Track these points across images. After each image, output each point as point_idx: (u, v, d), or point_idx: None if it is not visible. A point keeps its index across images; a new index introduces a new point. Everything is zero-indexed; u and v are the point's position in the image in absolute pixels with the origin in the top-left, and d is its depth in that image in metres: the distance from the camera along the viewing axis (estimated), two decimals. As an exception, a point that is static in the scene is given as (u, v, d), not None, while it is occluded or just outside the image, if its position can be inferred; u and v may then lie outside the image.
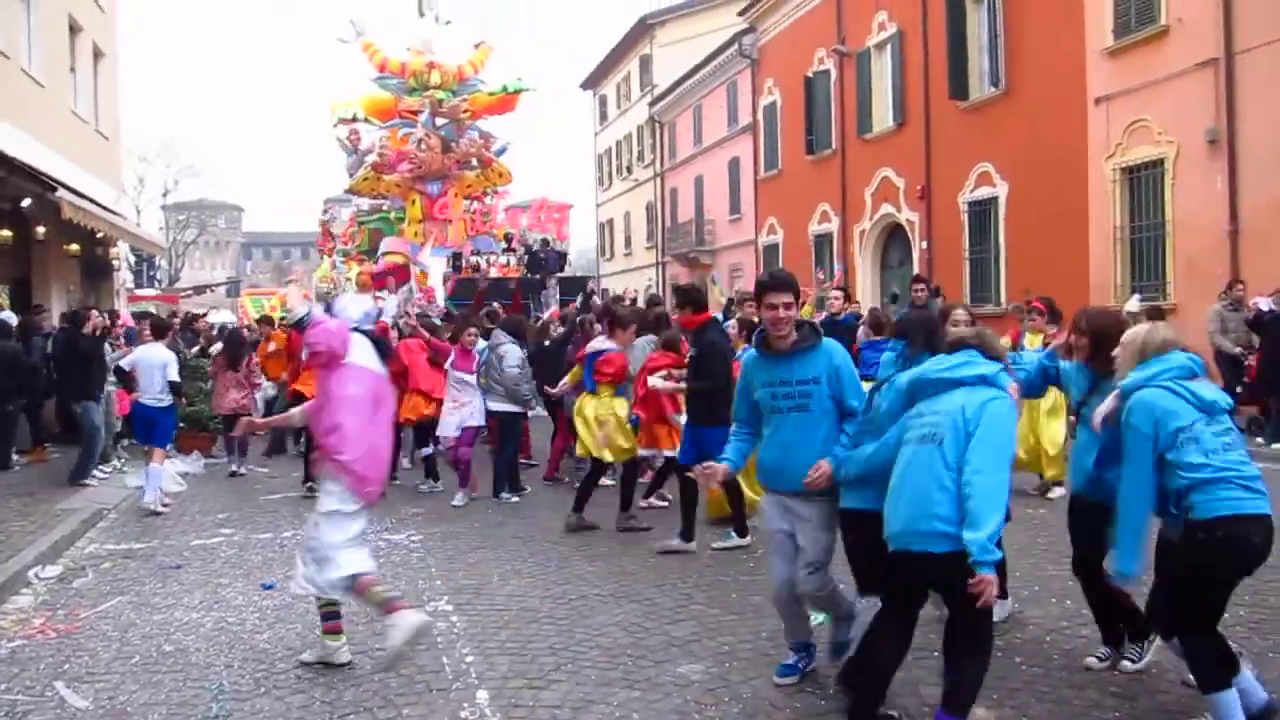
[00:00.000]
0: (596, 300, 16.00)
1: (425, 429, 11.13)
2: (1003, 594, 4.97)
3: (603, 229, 51.25)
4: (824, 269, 24.65)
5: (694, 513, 7.93)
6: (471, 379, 10.52)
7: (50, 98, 18.89)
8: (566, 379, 10.49)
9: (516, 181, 23.64)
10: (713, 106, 36.04)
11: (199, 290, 48.61)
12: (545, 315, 15.82)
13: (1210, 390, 4.10)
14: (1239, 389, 12.45)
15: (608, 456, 8.95)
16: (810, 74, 28.21)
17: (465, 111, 21.96)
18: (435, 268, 20.18)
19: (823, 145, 27.95)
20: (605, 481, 10.70)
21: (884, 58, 25.08)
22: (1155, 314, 10.22)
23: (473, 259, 21.91)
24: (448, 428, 10.47)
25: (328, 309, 8.13)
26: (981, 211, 21.56)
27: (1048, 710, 4.48)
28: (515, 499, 10.29)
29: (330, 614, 5.41)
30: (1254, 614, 5.72)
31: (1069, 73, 18.38)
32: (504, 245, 22.91)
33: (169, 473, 11.11)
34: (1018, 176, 20.17)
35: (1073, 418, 5.74)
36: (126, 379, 11.47)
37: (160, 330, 11.60)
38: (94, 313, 12.69)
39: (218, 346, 14.39)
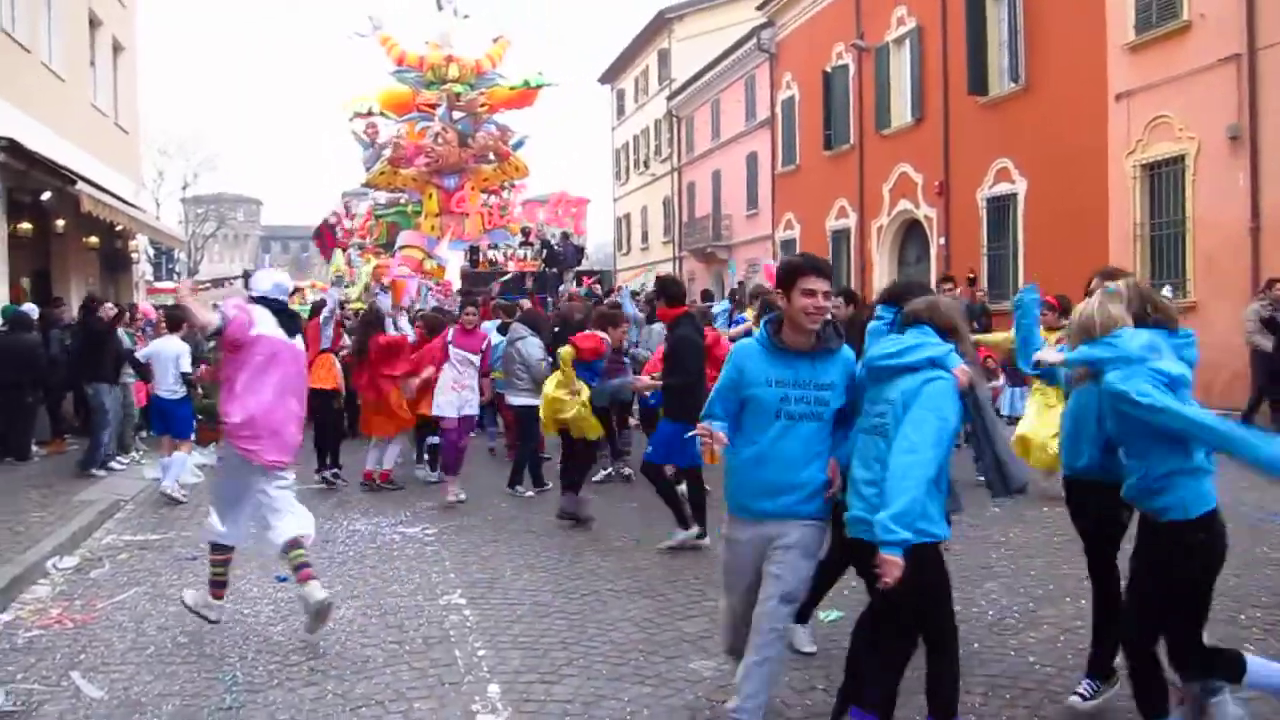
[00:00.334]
0: (566, 290, 15.93)
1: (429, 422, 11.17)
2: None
3: (620, 223, 51.23)
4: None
5: (703, 506, 7.88)
6: (475, 358, 10.38)
7: (70, 91, 19.00)
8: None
9: (534, 176, 23.64)
10: (730, 101, 35.96)
11: (217, 283, 48.75)
12: (563, 291, 15.86)
13: (1174, 364, 3.87)
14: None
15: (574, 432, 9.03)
16: (829, 69, 28.11)
17: (483, 105, 21.97)
18: (452, 261, 20.23)
19: (841, 140, 27.85)
20: (625, 471, 10.79)
21: (903, 53, 24.96)
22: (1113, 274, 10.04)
23: (490, 253, 21.95)
24: (447, 408, 10.18)
25: (245, 282, 8.01)
26: (1000, 208, 21.44)
27: (1060, 711, 4.46)
28: (531, 493, 10.30)
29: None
30: (1271, 615, 5.68)
31: (1089, 68, 18.25)
32: (521, 239, 22.93)
33: (188, 464, 11.18)
34: (1037, 173, 20.05)
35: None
36: (143, 371, 11.56)
37: (175, 322, 11.65)
38: (107, 304, 12.88)
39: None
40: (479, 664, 5.30)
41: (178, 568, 7.56)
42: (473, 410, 10.39)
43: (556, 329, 11.72)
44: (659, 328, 10.85)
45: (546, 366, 10.09)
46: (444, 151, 21.03)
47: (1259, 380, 13.05)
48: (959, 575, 6.75)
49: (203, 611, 5.86)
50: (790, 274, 4.01)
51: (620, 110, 50.56)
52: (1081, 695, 4.44)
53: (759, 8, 32.22)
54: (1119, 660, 4.30)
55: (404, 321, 12.31)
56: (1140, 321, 4.06)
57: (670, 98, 41.30)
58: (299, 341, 6.11)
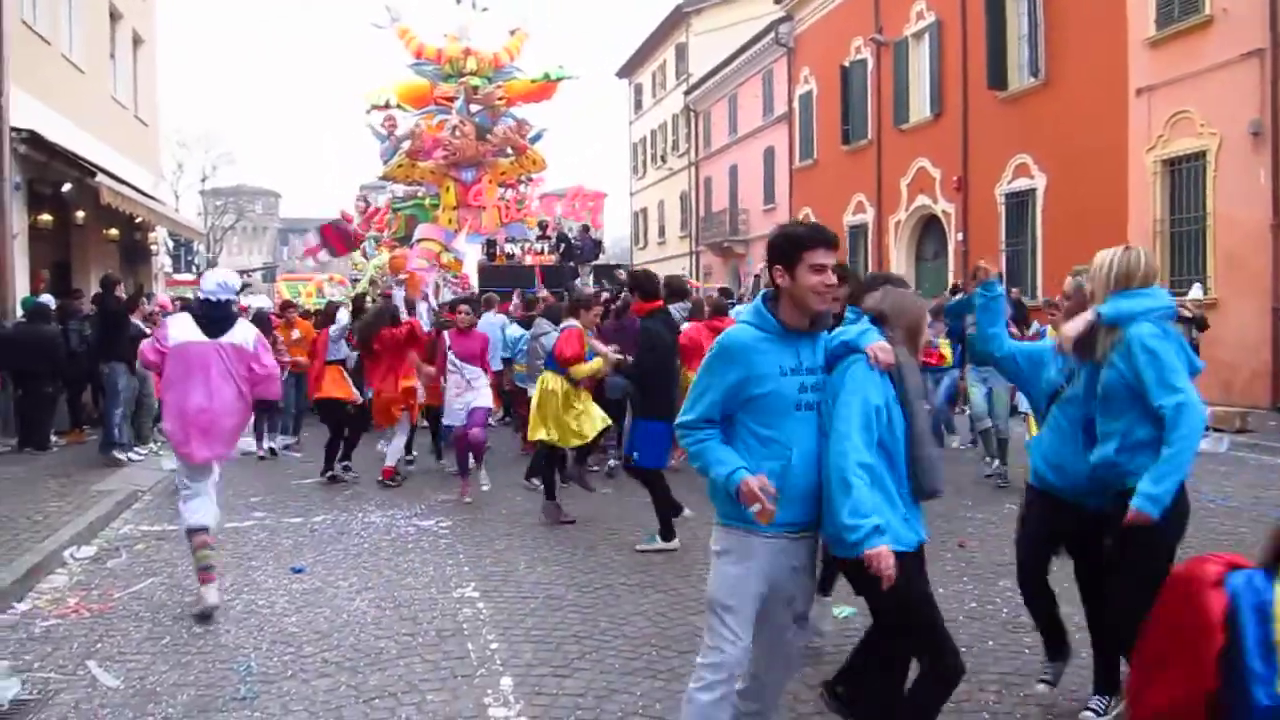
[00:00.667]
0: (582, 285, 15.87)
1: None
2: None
3: (637, 217, 51.23)
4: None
5: (669, 510, 7.73)
6: (477, 368, 10.07)
7: (90, 84, 19.10)
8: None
9: (551, 170, 23.67)
10: (748, 95, 35.89)
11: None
12: (579, 285, 15.87)
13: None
14: None
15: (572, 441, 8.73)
16: (847, 63, 28.03)
17: (501, 99, 21.95)
18: (470, 255, 20.25)
19: (859, 135, 27.77)
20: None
21: (922, 47, 24.86)
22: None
23: (507, 247, 21.95)
24: (454, 416, 10.05)
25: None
26: (1019, 203, 21.35)
27: (1073, 709, 4.44)
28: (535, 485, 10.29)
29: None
30: None
31: (1110, 63, 18.13)
32: (538, 232, 22.92)
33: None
34: (1056, 168, 19.95)
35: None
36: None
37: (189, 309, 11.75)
38: (120, 284, 13.00)
39: None
40: (492, 657, 5.31)
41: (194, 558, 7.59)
42: (483, 401, 10.05)
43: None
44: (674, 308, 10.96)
45: None
46: (462, 145, 21.01)
47: None
48: (973, 573, 6.76)
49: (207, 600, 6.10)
50: (793, 246, 3.39)
51: (638, 105, 50.54)
52: (1095, 711, 4.34)
53: (777, 2, 32.16)
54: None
55: (422, 308, 12.33)
56: None
57: (688, 92, 41.26)
58: (233, 333, 6.45)
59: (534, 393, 9.07)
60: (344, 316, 11.72)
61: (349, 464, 11.08)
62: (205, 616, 5.97)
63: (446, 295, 16.79)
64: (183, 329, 6.40)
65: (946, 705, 3.82)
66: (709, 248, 39.45)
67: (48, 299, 13.63)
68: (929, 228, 25.73)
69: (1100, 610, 4.34)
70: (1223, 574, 3.05)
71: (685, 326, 9.97)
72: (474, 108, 21.54)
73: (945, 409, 11.89)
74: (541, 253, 21.90)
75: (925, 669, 3.53)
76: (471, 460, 9.97)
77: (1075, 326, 4.04)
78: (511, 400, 13.37)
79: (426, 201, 22.96)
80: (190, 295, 23.86)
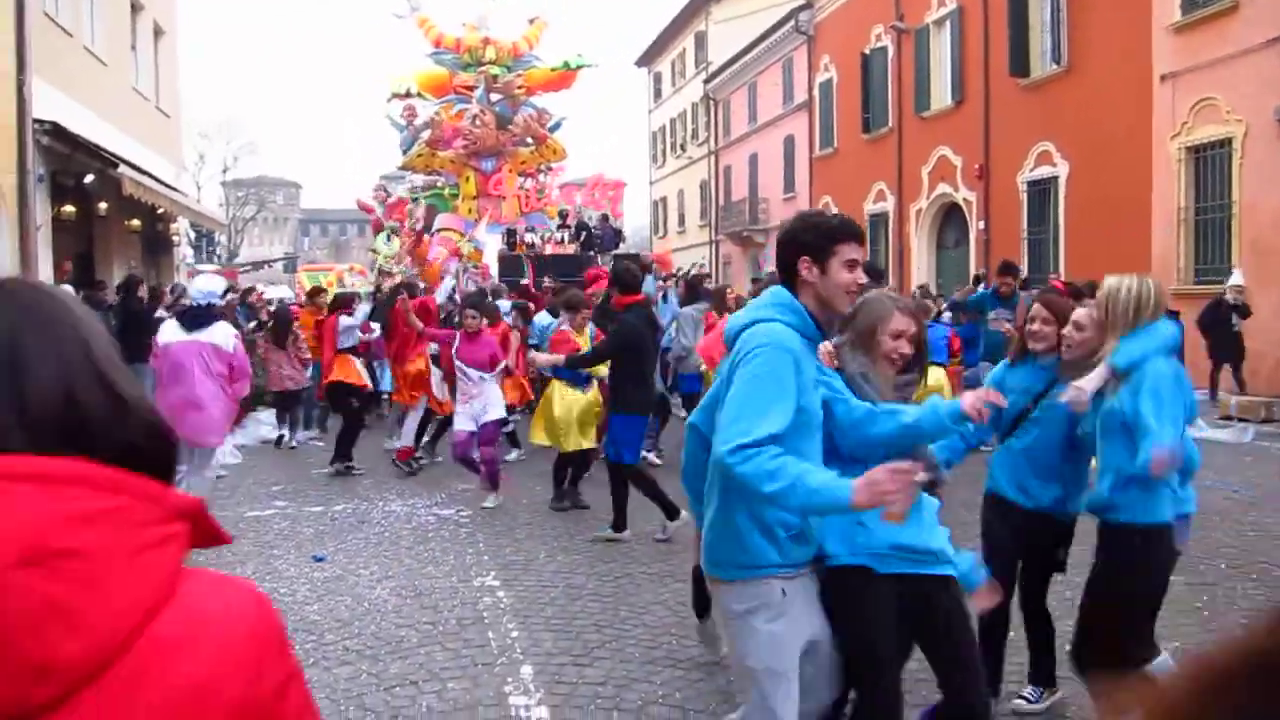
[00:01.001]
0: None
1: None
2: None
3: (656, 207, 51.15)
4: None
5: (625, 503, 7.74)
6: (475, 372, 9.18)
7: (112, 75, 19.19)
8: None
9: (570, 159, 23.60)
10: (768, 84, 35.74)
11: (257, 266, 49.28)
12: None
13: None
14: None
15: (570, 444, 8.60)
16: (867, 51, 27.86)
17: (520, 88, 21.95)
18: (490, 245, 20.26)
19: (879, 123, 27.62)
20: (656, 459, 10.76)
21: (943, 34, 24.68)
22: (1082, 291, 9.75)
23: (527, 236, 21.93)
24: (461, 422, 9.16)
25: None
26: (1041, 191, 21.19)
27: (1090, 701, 4.40)
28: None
29: None
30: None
31: (1134, 50, 17.95)
32: (558, 222, 22.91)
33: (226, 445, 11.30)
34: (1079, 156, 19.78)
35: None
36: None
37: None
38: (142, 284, 13.12)
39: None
40: (512, 645, 5.33)
41: (215, 549, 7.62)
42: (491, 415, 9.16)
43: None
44: (689, 310, 10.96)
45: None
46: (482, 134, 21.03)
47: None
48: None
49: None
50: (826, 238, 3.03)
51: (657, 93, 50.41)
52: (1026, 699, 4.41)
53: (797, -11, 32.00)
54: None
55: (448, 283, 12.44)
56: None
57: (707, 81, 41.12)
58: (212, 333, 7.46)
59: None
60: (365, 308, 11.79)
61: (351, 464, 10.81)
62: None
63: (469, 285, 16.78)
64: (167, 332, 7.53)
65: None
66: (728, 237, 39.36)
67: (67, 290, 13.74)
68: (950, 216, 25.58)
69: (1040, 609, 4.40)
70: None
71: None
72: (494, 97, 21.54)
73: None
74: (561, 242, 21.88)
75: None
76: (485, 478, 9.15)
77: (1093, 384, 3.87)
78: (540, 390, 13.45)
79: (446, 191, 23.00)
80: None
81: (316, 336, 12.44)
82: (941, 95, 24.84)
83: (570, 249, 21.02)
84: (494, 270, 19.03)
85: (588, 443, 8.66)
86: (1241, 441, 11.85)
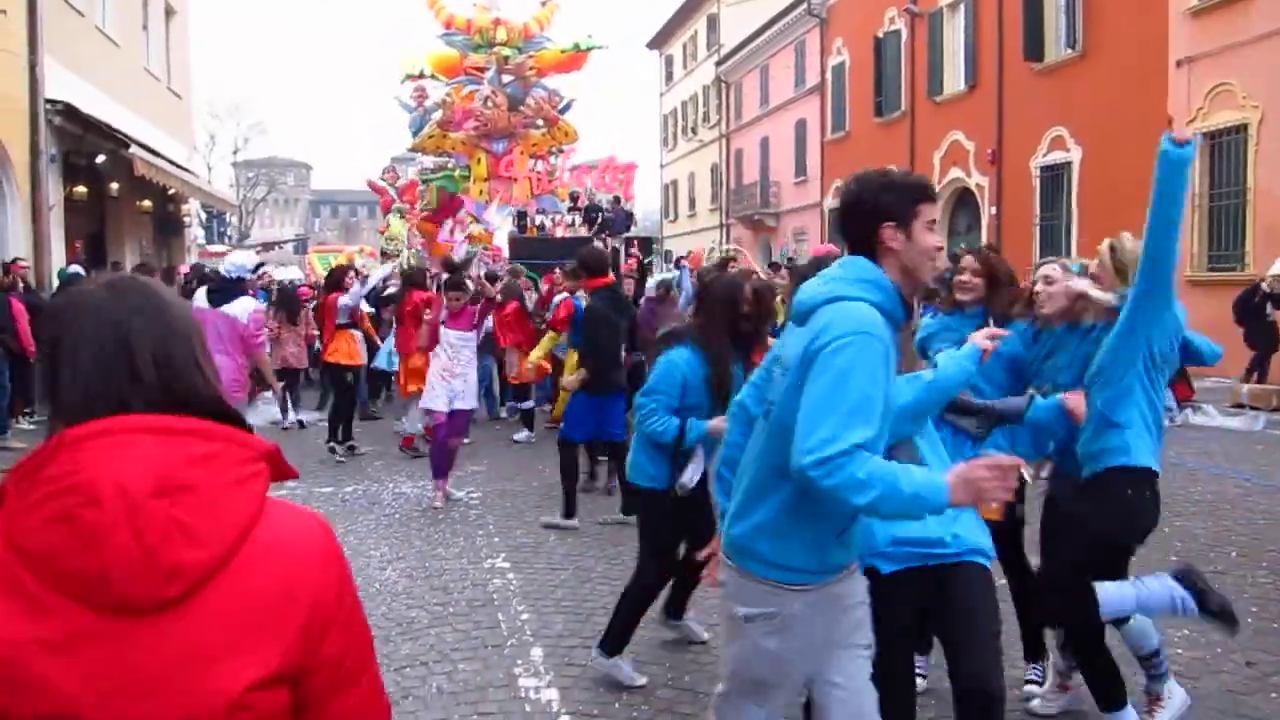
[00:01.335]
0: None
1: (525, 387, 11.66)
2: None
3: (667, 190, 51.05)
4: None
5: (574, 489, 7.73)
6: (470, 339, 8.84)
7: (123, 55, 19.21)
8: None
9: (581, 142, 23.57)
10: (780, 67, 35.59)
11: (268, 247, 49.31)
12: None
13: None
14: None
15: None
16: (880, 34, 27.72)
17: (531, 69, 21.89)
18: (501, 227, 20.27)
19: (891, 107, 27.50)
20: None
21: (957, 18, 24.53)
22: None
23: (538, 218, 21.92)
24: (436, 400, 8.57)
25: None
26: (1054, 177, 21.09)
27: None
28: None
29: None
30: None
31: (1150, 34, 17.82)
32: (569, 204, 22.87)
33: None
34: (1093, 141, 19.67)
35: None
36: None
37: (204, 278, 11.80)
38: (155, 273, 13.13)
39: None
40: (522, 627, 5.35)
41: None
42: (466, 404, 8.74)
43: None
44: None
45: None
46: (493, 115, 20.99)
47: None
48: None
49: None
50: (909, 198, 2.65)
51: (669, 76, 50.25)
52: (1034, 681, 4.38)
53: (810, -28, 31.81)
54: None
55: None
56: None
57: (719, 63, 40.97)
58: (232, 306, 7.74)
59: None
60: (357, 286, 11.67)
61: (354, 444, 10.78)
62: None
63: (481, 268, 16.79)
64: (196, 300, 8.04)
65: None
66: (739, 220, 39.27)
67: (76, 269, 13.78)
68: (962, 201, 25.48)
69: (1023, 581, 4.34)
70: None
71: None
72: (505, 78, 21.49)
73: None
74: (572, 225, 21.86)
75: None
76: (437, 469, 8.63)
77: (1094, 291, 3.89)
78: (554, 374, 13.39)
79: (456, 173, 22.97)
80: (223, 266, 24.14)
81: (320, 313, 12.44)
82: (955, 79, 24.71)
83: (582, 231, 20.99)
84: (505, 252, 19.03)
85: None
86: (1253, 429, 11.81)
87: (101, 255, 17.66)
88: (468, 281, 9.74)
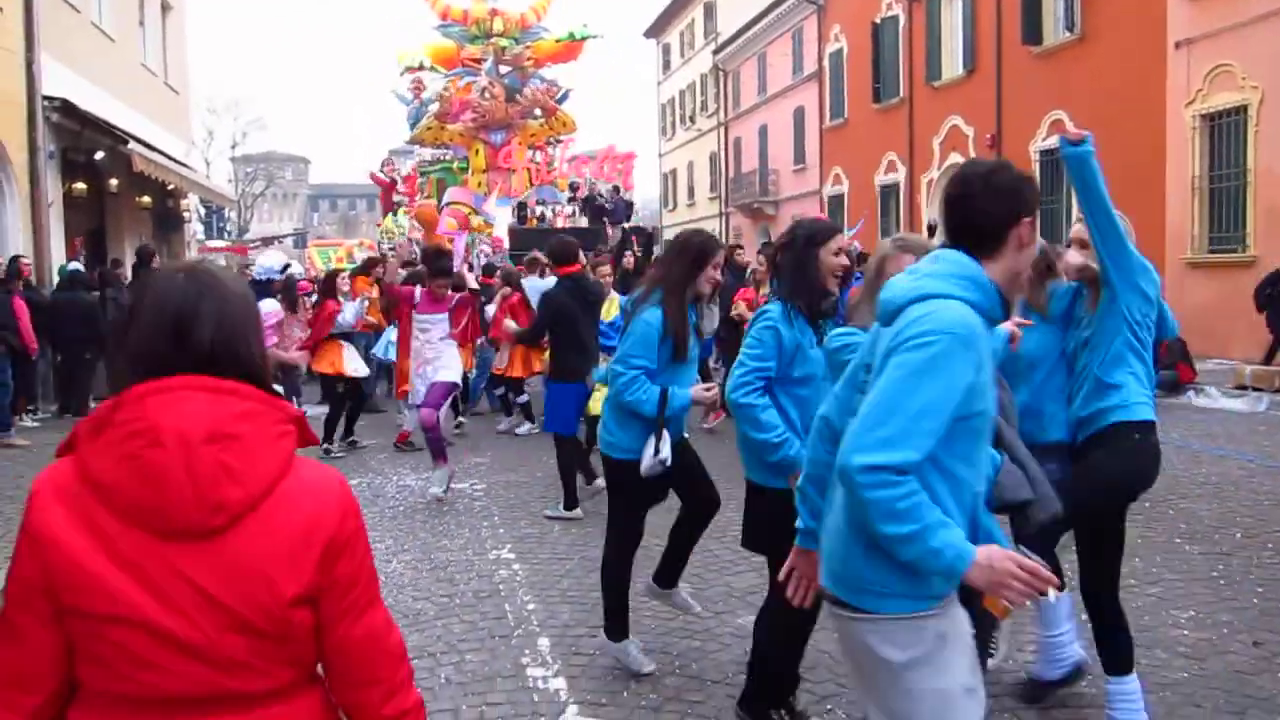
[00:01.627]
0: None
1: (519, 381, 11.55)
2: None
3: (666, 179, 50.98)
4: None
5: (574, 480, 7.76)
6: (440, 319, 8.49)
7: (120, 51, 19.17)
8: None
9: (579, 131, 23.54)
10: (777, 54, 35.50)
11: (267, 241, 49.30)
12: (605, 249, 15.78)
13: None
14: None
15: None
16: (878, 20, 27.64)
17: (529, 60, 21.86)
18: (500, 218, 20.22)
19: (890, 93, 27.44)
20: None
21: (955, 3, 24.48)
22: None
23: (537, 209, 21.90)
24: (417, 395, 8.47)
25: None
26: (1054, 161, 21.02)
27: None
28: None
29: None
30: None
31: (1148, 16, 17.77)
32: (569, 195, 22.86)
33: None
34: (1092, 124, 19.51)
35: None
36: None
37: (144, 258, 11.76)
38: (155, 256, 13.15)
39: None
40: (529, 618, 5.36)
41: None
42: (445, 376, 8.43)
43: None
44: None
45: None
46: (491, 106, 20.97)
47: None
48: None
49: None
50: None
51: (666, 65, 50.14)
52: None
53: (807, -42, 31.71)
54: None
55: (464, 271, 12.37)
56: None
57: (716, 52, 40.87)
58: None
59: None
60: (356, 304, 11.42)
61: (329, 447, 10.46)
62: None
63: (479, 259, 16.77)
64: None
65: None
66: (739, 209, 39.23)
67: (76, 266, 13.78)
68: (962, 186, 25.45)
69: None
70: None
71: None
72: (502, 69, 21.46)
73: None
74: (572, 215, 21.83)
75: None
76: (432, 456, 8.37)
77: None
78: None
79: (455, 165, 22.95)
80: (223, 261, 24.14)
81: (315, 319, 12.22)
82: (953, 64, 24.65)
83: (582, 222, 20.96)
84: (505, 243, 18.99)
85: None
86: (1256, 411, 11.80)
87: (102, 251, 17.65)
88: (469, 278, 9.66)
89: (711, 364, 12.21)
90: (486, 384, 12.85)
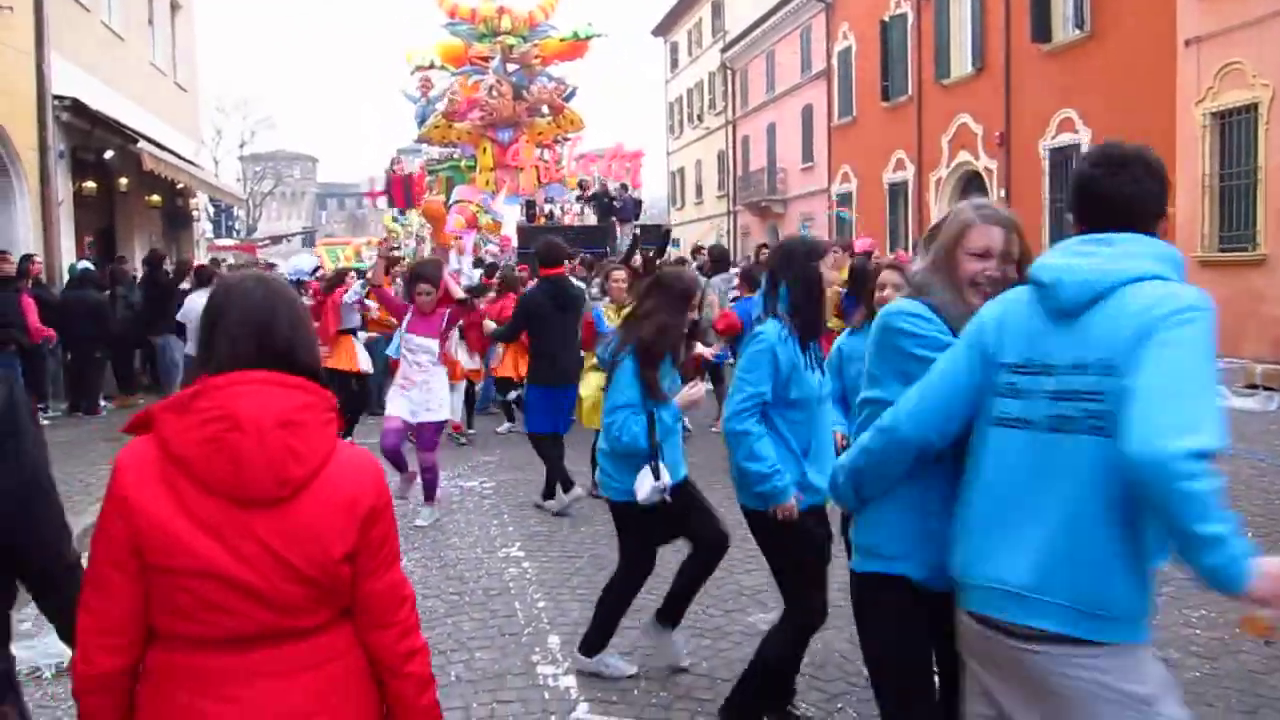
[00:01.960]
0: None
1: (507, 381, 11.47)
2: None
3: (673, 178, 50.93)
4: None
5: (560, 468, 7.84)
6: (430, 345, 7.64)
7: (130, 50, 19.21)
8: None
9: (587, 131, 23.55)
10: (786, 53, 35.44)
11: (276, 240, 49.43)
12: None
13: None
14: None
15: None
16: (886, 18, 27.58)
17: (536, 58, 21.88)
18: (508, 216, 20.24)
19: (899, 91, 27.37)
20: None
21: (963, 0, 24.40)
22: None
23: (546, 207, 21.92)
24: (397, 407, 7.59)
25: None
26: (1063, 159, 20.98)
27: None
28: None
29: None
30: None
31: (1158, 13, 17.70)
32: (577, 193, 22.87)
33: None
34: (1102, 123, 19.56)
35: None
36: (184, 332, 11.69)
37: (204, 278, 11.77)
38: (165, 259, 13.19)
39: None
40: (539, 615, 5.36)
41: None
42: (434, 415, 7.62)
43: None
44: (715, 279, 11.00)
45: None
46: (498, 105, 20.99)
47: None
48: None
49: None
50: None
51: (674, 63, 50.09)
52: None
53: (815, -44, 31.65)
54: None
55: (466, 264, 12.35)
56: None
57: (724, 50, 40.82)
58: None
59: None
60: (359, 285, 11.44)
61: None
62: None
63: (485, 258, 16.79)
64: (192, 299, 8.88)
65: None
66: (746, 207, 39.18)
67: (86, 265, 13.82)
68: (971, 185, 25.36)
69: None
70: None
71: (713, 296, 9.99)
72: (510, 67, 21.46)
73: None
74: (581, 213, 21.83)
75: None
76: (421, 494, 7.92)
77: None
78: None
79: (463, 163, 22.98)
80: (232, 259, 24.22)
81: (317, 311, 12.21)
82: (962, 62, 24.58)
83: (591, 220, 20.93)
84: (514, 242, 19.00)
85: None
86: (1267, 410, 11.78)
87: (112, 251, 17.70)
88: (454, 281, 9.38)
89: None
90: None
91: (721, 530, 4.63)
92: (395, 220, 27.23)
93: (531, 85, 21.68)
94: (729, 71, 41.17)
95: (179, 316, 11.69)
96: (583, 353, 7.95)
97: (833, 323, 8.04)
